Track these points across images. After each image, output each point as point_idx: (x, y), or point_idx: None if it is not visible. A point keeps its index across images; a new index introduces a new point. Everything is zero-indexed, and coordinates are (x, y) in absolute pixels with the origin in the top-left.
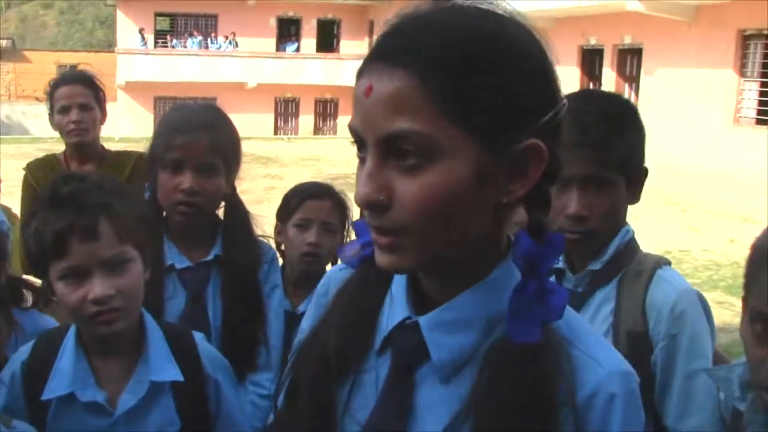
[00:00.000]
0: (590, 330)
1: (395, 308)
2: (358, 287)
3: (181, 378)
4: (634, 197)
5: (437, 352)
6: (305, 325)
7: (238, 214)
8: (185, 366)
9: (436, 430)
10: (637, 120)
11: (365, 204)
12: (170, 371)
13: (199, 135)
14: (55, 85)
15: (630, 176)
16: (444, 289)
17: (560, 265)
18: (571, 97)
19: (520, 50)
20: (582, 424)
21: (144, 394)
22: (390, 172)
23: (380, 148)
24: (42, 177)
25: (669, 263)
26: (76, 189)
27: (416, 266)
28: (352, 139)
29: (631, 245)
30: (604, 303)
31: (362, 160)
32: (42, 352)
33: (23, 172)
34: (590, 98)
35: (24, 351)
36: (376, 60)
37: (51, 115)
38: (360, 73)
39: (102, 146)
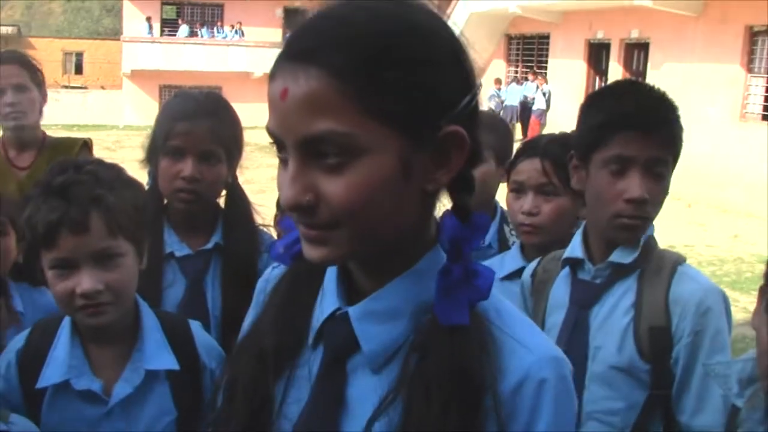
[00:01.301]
0: (519, 315)
1: (326, 301)
2: (291, 283)
3: (176, 366)
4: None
5: (367, 342)
6: (245, 324)
7: (239, 202)
8: (181, 355)
9: (366, 419)
10: (678, 110)
11: (292, 207)
12: (166, 360)
13: (200, 122)
14: None
15: (675, 164)
16: (373, 279)
17: (579, 255)
18: (619, 83)
19: (432, 40)
20: (510, 410)
21: (139, 382)
22: (313, 173)
23: (301, 150)
24: None
25: (686, 260)
26: (70, 180)
27: (345, 258)
28: (271, 141)
29: (653, 240)
30: (624, 296)
31: (283, 161)
32: (37, 341)
33: None
34: (640, 84)
35: (19, 339)
36: (289, 60)
37: None
38: (273, 75)
39: (44, 132)
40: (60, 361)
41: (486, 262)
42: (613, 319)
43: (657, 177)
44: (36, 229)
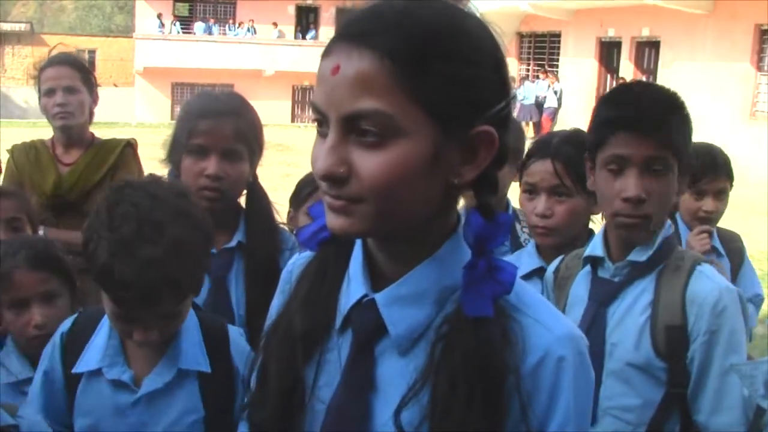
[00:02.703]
0: (538, 297)
1: (353, 288)
2: (318, 269)
3: (208, 369)
4: (682, 186)
5: (394, 326)
6: (272, 311)
7: (260, 200)
8: (215, 358)
9: (397, 401)
10: (686, 109)
11: (325, 176)
12: (199, 361)
13: (224, 121)
14: (41, 68)
15: (682, 164)
16: (397, 266)
17: (599, 253)
18: (626, 84)
19: (479, 44)
20: (531, 387)
21: (170, 379)
22: (350, 147)
23: (342, 124)
24: (25, 162)
25: (707, 260)
26: (135, 237)
27: (364, 233)
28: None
29: (672, 240)
30: (642, 295)
31: (322, 135)
32: (81, 326)
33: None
34: (646, 85)
35: (66, 323)
36: (345, 39)
37: (39, 98)
38: (327, 52)
39: (92, 133)
40: (97, 349)
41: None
42: (630, 317)
43: (657, 176)
44: (95, 267)
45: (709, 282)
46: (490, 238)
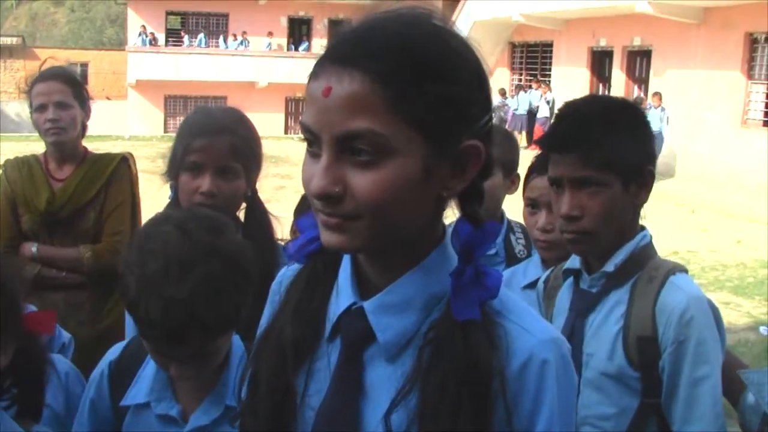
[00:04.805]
0: (521, 304)
1: (342, 296)
2: (307, 280)
3: None
4: (639, 198)
5: (382, 333)
6: (262, 321)
7: (258, 216)
8: None
9: (386, 406)
10: (630, 121)
11: (321, 196)
12: None
13: (218, 138)
14: (33, 83)
15: (627, 177)
16: (385, 275)
17: (576, 265)
18: (567, 103)
19: (464, 64)
20: (516, 390)
21: (217, 415)
22: (344, 167)
23: (336, 144)
24: (18, 177)
25: (685, 270)
26: (172, 296)
27: (359, 248)
28: (303, 135)
29: (647, 250)
30: (617, 305)
31: (312, 155)
32: (130, 356)
33: None
34: (578, 102)
35: (115, 350)
36: (334, 62)
37: (31, 114)
38: (316, 74)
39: (85, 148)
40: (146, 382)
41: (509, 270)
42: (605, 328)
43: (592, 194)
44: (132, 314)
45: (678, 292)
46: (478, 245)
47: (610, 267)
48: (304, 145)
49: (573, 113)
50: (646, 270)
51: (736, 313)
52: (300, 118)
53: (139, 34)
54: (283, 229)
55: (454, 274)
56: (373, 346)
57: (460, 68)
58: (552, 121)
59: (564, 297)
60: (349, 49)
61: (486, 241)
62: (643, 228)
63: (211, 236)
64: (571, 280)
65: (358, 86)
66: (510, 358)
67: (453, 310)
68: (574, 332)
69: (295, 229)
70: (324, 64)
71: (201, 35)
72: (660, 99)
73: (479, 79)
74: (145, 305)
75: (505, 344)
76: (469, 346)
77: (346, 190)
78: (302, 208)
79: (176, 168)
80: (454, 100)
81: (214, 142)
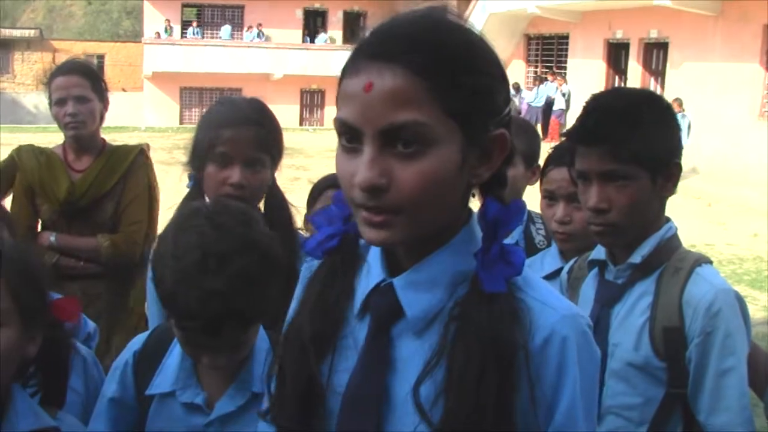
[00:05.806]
0: (543, 282)
1: (372, 274)
2: (326, 276)
3: None
4: (667, 190)
5: (410, 309)
6: (289, 314)
7: (279, 205)
8: None
9: (413, 379)
10: (657, 114)
11: (368, 188)
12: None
13: (246, 129)
14: (51, 76)
15: (654, 170)
16: (413, 254)
17: (602, 257)
18: (594, 96)
19: (489, 57)
20: (539, 364)
21: (243, 402)
22: (388, 160)
23: (380, 138)
24: (36, 167)
25: (710, 262)
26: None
27: (402, 241)
28: (338, 131)
29: (673, 241)
30: (643, 297)
31: (350, 151)
32: (154, 345)
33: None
34: (605, 96)
35: (138, 340)
36: (373, 59)
37: (50, 106)
38: (353, 71)
39: (103, 139)
40: (171, 371)
41: (527, 261)
42: (631, 319)
43: (619, 187)
44: (167, 306)
45: (705, 284)
46: (505, 222)
47: (636, 258)
48: (319, 137)
49: (601, 107)
50: (671, 261)
51: (753, 306)
52: (321, 110)
53: (166, 30)
54: (300, 218)
55: (481, 251)
56: (401, 322)
57: (488, 61)
58: (579, 114)
59: (589, 288)
60: (388, 45)
61: (512, 218)
62: (668, 219)
63: (244, 228)
64: (596, 270)
65: (400, 80)
66: (533, 332)
67: (482, 282)
68: (600, 323)
69: (308, 222)
70: (360, 61)
71: (226, 26)
72: (680, 105)
73: (502, 72)
74: (184, 298)
75: (529, 319)
76: (494, 319)
77: (391, 183)
78: (310, 199)
79: (201, 159)
80: (486, 91)
81: (242, 133)
